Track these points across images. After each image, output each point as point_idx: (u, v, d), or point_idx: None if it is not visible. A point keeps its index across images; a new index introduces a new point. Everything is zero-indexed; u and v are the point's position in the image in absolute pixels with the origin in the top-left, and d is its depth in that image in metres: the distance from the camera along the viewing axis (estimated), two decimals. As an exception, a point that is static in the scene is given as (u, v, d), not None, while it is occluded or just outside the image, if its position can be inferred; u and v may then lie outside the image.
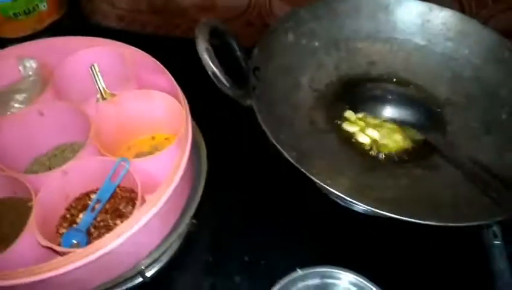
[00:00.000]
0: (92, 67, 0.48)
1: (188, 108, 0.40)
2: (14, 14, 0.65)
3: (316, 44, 0.57)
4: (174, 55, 0.45)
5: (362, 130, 0.51)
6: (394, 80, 0.58)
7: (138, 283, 0.39)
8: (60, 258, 0.31)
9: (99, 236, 0.37)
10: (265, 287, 0.40)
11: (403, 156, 0.50)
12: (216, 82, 0.41)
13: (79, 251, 0.31)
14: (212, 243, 0.46)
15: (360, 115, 0.53)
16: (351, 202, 0.39)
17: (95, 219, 0.38)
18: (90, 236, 0.37)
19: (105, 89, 0.49)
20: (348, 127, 0.52)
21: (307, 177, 0.39)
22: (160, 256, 0.39)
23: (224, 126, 0.54)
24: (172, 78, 0.42)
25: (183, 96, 0.41)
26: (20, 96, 0.43)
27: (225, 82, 0.41)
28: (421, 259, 0.46)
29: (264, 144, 0.45)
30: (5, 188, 0.39)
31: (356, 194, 0.40)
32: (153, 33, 0.77)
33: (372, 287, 0.41)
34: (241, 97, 0.43)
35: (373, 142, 0.50)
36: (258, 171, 0.52)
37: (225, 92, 0.42)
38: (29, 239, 0.33)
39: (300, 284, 0.42)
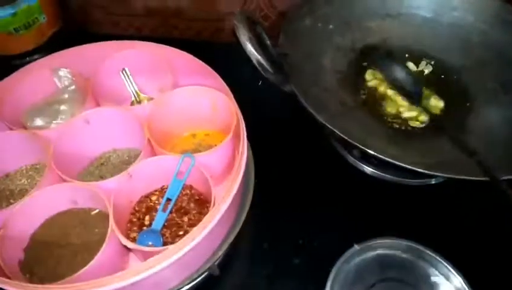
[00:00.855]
0: (123, 72, 0.48)
1: (236, 106, 0.41)
2: (15, 29, 0.64)
3: (331, 27, 0.59)
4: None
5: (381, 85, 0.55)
6: (406, 55, 0.60)
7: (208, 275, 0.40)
8: (153, 258, 0.31)
9: (172, 235, 0.38)
10: (324, 265, 0.41)
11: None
12: (261, 70, 0.42)
13: (171, 247, 0.31)
14: (266, 232, 0.47)
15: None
16: (403, 166, 0.41)
17: (167, 218, 0.38)
18: (162, 236, 0.38)
19: (138, 91, 0.49)
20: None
21: (345, 160, 0.40)
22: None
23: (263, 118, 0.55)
24: (215, 72, 0.43)
25: (228, 89, 0.42)
26: (63, 107, 0.43)
27: (269, 69, 0.42)
28: (468, 220, 0.49)
29: (307, 133, 0.46)
30: (66, 200, 0.39)
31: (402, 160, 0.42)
32: (150, 36, 0.76)
33: (428, 252, 0.43)
34: (282, 83, 0.44)
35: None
36: (300, 159, 0.53)
37: (269, 79, 0.43)
38: (113, 245, 0.34)
39: (358, 259, 0.44)
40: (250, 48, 0.41)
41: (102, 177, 0.42)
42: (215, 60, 0.44)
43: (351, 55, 0.59)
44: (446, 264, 0.43)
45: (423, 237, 0.44)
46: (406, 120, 0.53)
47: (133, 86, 0.48)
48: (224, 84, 0.42)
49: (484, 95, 0.54)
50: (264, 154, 0.47)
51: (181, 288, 0.38)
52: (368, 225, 0.48)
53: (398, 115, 0.54)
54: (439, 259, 0.43)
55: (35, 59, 0.66)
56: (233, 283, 0.43)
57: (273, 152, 0.51)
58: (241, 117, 0.40)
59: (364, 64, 0.59)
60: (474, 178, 0.41)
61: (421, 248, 0.44)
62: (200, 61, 0.44)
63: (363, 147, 0.41)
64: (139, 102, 0.48)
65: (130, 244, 0.33)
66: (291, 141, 0.54)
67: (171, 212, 0.39)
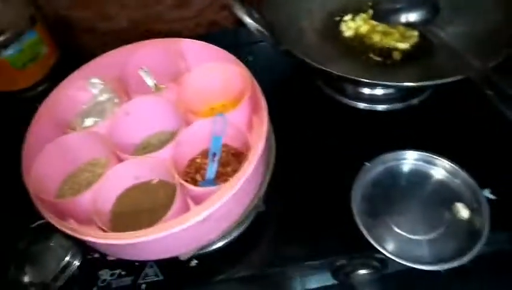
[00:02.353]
0: (142, 70, 0.56)
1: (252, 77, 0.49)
2: (23, 64, 0.70)
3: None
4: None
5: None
6: (369, 3, 0.69)
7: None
8: (215, 193, 0.40)
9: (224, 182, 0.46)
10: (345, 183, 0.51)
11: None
12: (259, 36, 0.51)
13: (227, 183, 0.40)
14: (291, 170, 0.56)
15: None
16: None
17: (218, 168, 0.46)
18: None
19: (157, 84, 0.57)
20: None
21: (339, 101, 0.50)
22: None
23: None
24: (222, 49, 0.51)
25: (237, 59, 0.50)
26: (103, 107, 0.51)
27: (267, 33, 0.51)
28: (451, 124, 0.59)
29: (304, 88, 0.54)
30: (131, 176, 0.47)
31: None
32: None
33: (427, 154, 0.52)
34: (278, 44, 0.53)
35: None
36: (304, 109, 0.63)
37: (267, 42, 0.52)
38: (181, 198, 0.42)
39: (372, 173, 0.53)
40: (248, 20, 0.50)
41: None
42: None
43: (323, 13, 0.69)
44: (441, 159, 0.52)
45: (418, 146, 0.54)
46: (388, 54, 0.62)
47: (151, 81, 0.56)
48: (233, 57, 0.50)
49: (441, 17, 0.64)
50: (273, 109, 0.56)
51: (240, 224, 0.47)
52: (371, 147, 0.57)
53: (381, 49, 0.63)
54: (436, 157, 0.52)
55: (46, 88, 0.74)
56: (276, 213, 0.52)
57: (280, 107, 0.60)
58: (253, 77, 0.49)
59: (337, 19, 0.68)
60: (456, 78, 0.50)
61: (420, 153, 0.53)
62: (208, 44, 0.52)
63: (358, 78, 0.50)
64: (160, 91, 0.56)
65: (196, 189, 0.42)
66: (291, 95, 0.64)
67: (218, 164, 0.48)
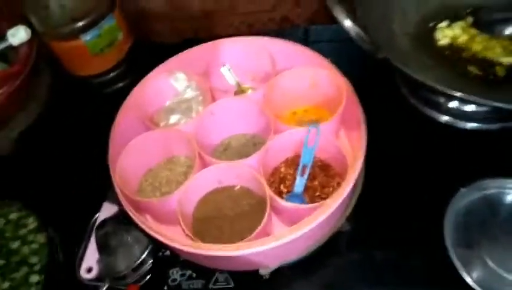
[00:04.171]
0: (225, 68, 0.54)
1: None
2: (101, 49, 0.70)
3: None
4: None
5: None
6: (469, 9, 0.63)
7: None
8: (316, 210, 0.37)
9: (310, 196, 0.44)
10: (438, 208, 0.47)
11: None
12: (359, 41, 0.47)
13: (328, 201, 0.37)
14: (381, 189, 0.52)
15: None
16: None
17: (306, 181, 0.44)
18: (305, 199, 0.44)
19: (239, 83, 0.55)
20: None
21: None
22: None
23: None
24: (314, 52, 0.48)
25: (330, 64, 0.47)
26: (188, 104, 0.49)
27: (367, 39, 0.47)
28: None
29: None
30: (214, 180, 0.45)
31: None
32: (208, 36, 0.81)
33: None
34: (376, 51, 0.49)
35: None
36: (391, 123, 0.58)
37: (366, 49, 0.48)
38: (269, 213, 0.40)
39: (466, 200, 0.49)
40: (348, 24, 0.46)
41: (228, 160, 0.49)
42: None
43: (416, 17, 0.63)
44: None
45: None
46: (489, 68, 0.56)
47: (234, 79, 0.54)
48: (326, 61, 0.47)
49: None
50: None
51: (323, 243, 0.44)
52: (465, 170, 0.52)
53: (482, 62, 0.57)
54: None
55: (117, 74, 0.74)
56: (359, 234, 0.49)
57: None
58: (350, 86, 0.46)
59: (431, 25, 0.63)
60: None
61: None
62: (301, 46, 0.49)
63: (463, 95, 0.45)
64: (242, 91, 0.54)
65: (287, 204, 0.39)
66: (373, 102, 0.58)
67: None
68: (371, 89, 0.62)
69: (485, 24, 0.58)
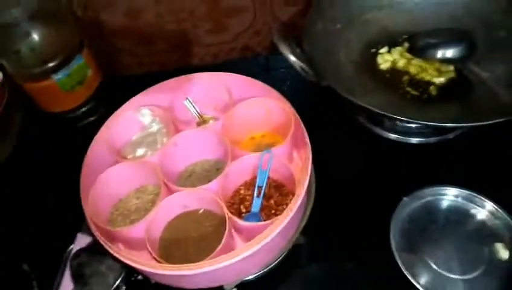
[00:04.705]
0: (187, 101, 0.59)
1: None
2: (72, 86, 0.74)
3: (338, 26, 0.70)
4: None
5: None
6: (404, 36, 0.71)
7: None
8: (266, 229, 0.42)
9: (267, 215, 0.49)
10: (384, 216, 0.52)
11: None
12: (303, 74, 0.53)
13: (276, 219, 0.42)
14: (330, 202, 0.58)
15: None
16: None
17: (262, 201, 0.49)
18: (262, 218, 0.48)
19: (201, 114, 0.59)
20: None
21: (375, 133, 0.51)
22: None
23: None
24: (267, 85, 0.53)
25: (281, 95, 0.53)
26: (154, 138, 0.54)
27: (310, 72, 0.53)
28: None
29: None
30: (180, 205, 0.50)
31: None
32: (175, 68, 0.85)
33: (477, 195, 0.53)
34: (320, 80, 0.55)
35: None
36: (338, 140, 0.65)
37: (310, 80, 0.54)
38: (229, 230, 0.44)
39: (409, 209, 0.54)
40: (293, 59, 0.52)
41: (193, 185, 0.53)
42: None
43: (360, 45, 0.71)
44: (482, 198, 0.53)
45: (455, 182, 0.55)
46: (424, 89, 0.63)
47: (196, 110, 0.59)
48: (276, 92, 0.53)
49: (476, 57, 0.65)
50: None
51: (279, 258, 0.48)
52: (408, 181, 0.58)
53: (417, 83, 0.64)
54: (476, 195, 0.53)
55: (88, 109, 0.78)
56: (313, 245, 0.54)
57: (314, 136, 0.62)
58: (296, 114, 0.51)
59: (373, 50, 0.70)
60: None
61: (460, 189, 0.54)
62: (254, 80, 0.55)
63: (398, 117, 0.52)
64: (204, 121, 0.59)
65: (244, 223, 0.44)
66: (326, 123, 0.65)
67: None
68: (325, 112, 0.69)
69: (418, 49, 0.65)
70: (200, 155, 0.56)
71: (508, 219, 0.50)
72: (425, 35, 0.66)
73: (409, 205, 0.55)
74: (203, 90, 0.59)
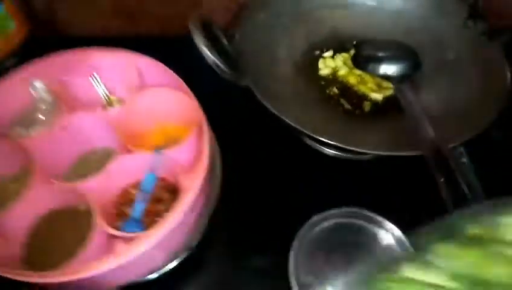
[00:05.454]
0: (93, 77, 0.52)
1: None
2: (-15, 38, 0.66)
3: (284, 19, 0.64)
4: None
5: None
6: (354, 42, 0.66)
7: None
8: (138, 239, 0.37)
9: (151, 222, 0.44)
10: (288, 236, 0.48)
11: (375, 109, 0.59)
12: (218, 71, 0.47)
13: (151, 231, 0.37)
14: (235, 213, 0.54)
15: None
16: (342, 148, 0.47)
17: (145, 206, 0.44)
18: (143, 224, 0.44)
19: (108, 94, 0.53)
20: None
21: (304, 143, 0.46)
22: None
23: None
24: (174, 74, 0.47)
25: (187, 88, 0.47)
26: (41, 116, 0.47)
27: (225, 69, 0.47)
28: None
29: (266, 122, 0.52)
30: (54, 200, 0.44)
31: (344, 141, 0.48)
32: (117, 35, 0.78)
33: (375, 215, 0.50)
34: (238, 79, 0.50)
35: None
36: (262, 145, 0.59)
37: (226, 78, 0.48)
38: (100, 235, 0.39)
39: (317, 228, 0.51)
40: (206, 52, 0.46)
41: (83, 176, 0.47)
42: (175, 55, 0.48)
43: (305, 45, 0.65)
44: (390, 224, 0.50)
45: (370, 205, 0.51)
46: (358, 103, 0.59)
47: (103, 90, 0.53)
48: (184, 84, 0.47)
49: (421, 77, 0.61)
50: (229, 144, 0.53)
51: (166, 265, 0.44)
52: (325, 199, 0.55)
53: (353, 96, 0.60)
54: (383, 220, 0.50)
55: (7, 66, 0.70)
56: (209, 257, 0.50)
57: (237, 142, 0.57)
58: (201, 112, 0.46)
59: (317, 53, 0.65)
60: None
61: (368, 213, 0.50)
62: (163, 65, 0.48)
63: (314, 135, 0.47)
64: (111, 103, 0.53)
65: (112, 231, 0.39)
66: (253, 130, 0.60)
67: (148, 202, 0.45)
68: (245, 112, 0.63)
69: (361, 60, 0.61)
70: (93, 143, 0.50)
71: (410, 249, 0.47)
72: (370, 47, 0.61)
73: (318, 224, 0.51)
74: (115, 69, 0.52)
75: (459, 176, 0.42)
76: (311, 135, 0.47)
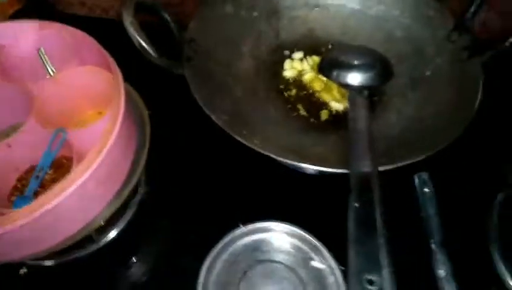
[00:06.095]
0: (40, 51, 0.51)
1: (120, 77, 0.42)
2: (-28, 7, 0.67)
3: (255, 14, 0.60)
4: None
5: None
6: (329, 46, 0.60)
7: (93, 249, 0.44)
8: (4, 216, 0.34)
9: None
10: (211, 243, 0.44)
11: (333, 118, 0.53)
12: (143, 53, 0.44)
13: (22, 209, 0.34)
14: (163, 209, 0.50)
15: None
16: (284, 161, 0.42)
17: (39, 185, 0.41)
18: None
19: (54, 70, 0.52)
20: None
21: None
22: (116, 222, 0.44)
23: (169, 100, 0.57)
24: (105, 52, 0.45)
25: (116, 67, 0.44)
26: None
27: (151, 52, 0.44)
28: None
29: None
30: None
31: (284, 153, 0.43)
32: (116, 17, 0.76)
33: (309, 237, 0.45)
34: (171, 66, 0.46)
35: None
36: (198, 138, 0.55)
37: (154, 62, 0.45)
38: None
39: (243, 240, 0.46)
40: (132, 32, 0.44)
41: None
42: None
43: (274, 43, 0.61)
44: (325, 251, 0.44)
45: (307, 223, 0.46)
46: (316, 112, 0.54)
47: (48, 65, 0.51)
48: (112, 62, 0.44)
49: (394, 90, 0.54)
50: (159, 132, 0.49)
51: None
52: (259, 208, 0.50)
53: (312, 103, 0.55)
54: (318, 244, 0.44)
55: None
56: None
57: (169, 130, 0.54)
58: (123, 92, 0.42)
59: (286, 53, 0.60)
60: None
61: (303, 232, 0.45)
62: (96, 43, 0.46)
63: (241, 140, 0.42)
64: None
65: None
66: (187, 122, 0.56)
67: (54, 181, 0.43)
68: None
69: (325, 66, 0.55)
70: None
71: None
72: (335, 52, 0.56)
73: (242, 237, 0.46)
74: (59, 46, 0.50)
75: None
76: (239, 139, 0.43)
